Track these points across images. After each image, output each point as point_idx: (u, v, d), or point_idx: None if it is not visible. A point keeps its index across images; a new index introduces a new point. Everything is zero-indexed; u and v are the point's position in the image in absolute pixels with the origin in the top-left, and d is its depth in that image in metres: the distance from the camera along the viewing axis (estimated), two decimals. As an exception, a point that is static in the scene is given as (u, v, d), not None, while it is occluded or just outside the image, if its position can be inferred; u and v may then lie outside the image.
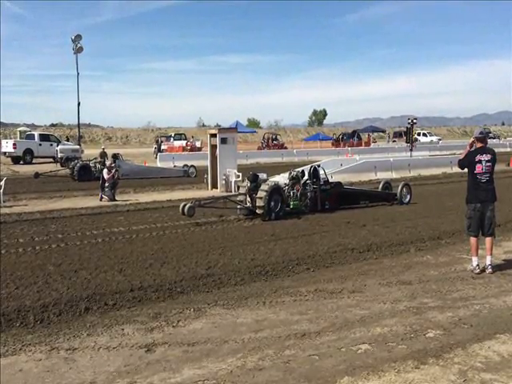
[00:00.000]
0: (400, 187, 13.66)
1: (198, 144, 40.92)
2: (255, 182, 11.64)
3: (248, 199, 11.66)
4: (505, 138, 67.15)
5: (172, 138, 43.58)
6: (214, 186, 17.28)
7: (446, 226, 10.35)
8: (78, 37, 33.43)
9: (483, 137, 7.20)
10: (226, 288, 6.46)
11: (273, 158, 33.59)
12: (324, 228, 10.41)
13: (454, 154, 32.16)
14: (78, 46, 33.38)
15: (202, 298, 6.04)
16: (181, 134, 45.36)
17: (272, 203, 11.26)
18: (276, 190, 11.42)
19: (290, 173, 12.46)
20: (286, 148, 43.96)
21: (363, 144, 47.92)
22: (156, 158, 31.92)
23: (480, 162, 6.96)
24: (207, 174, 17.73)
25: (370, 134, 55.69)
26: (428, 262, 7.66)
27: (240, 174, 16.30)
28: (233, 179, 16.46)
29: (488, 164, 6.94)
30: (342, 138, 49.27)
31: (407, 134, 29.01)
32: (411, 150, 28.41)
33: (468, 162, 7.13)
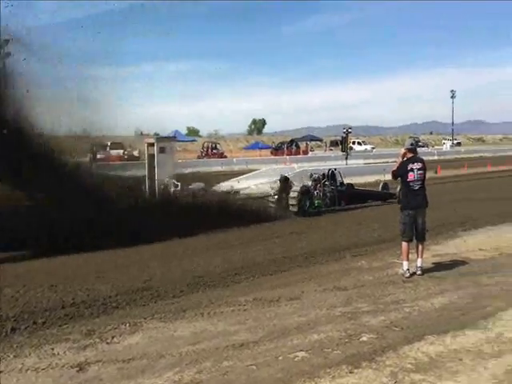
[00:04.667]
0: (398, 188, 14.62)
1: (135, 153, 40.00)
2: (286, 183, 13.69)
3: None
4: (432, 146, 70.87)
5: (108, 148, 42.32)
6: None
7: (380, 232, 10.76)
8: (6, 42, 31.76)
9: (414, 148, 7.71)
10: (164, 301, 6.34)
11: (212, 166, 33.50)
12: (265, 237, 10.52)
13: (387, 161, 33.56)
14: (5, 51, 31.69)
15: (138, 312, 5.89)
16: (118, 143, 44.16)
17: (302, 202, 13.26)
18: (306, 191, 13.48)
19: (311, 175, 14.46)
20: (225, 157, 44.06)
21: (301, 152, 48.95)
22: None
23: (412, 170, 7.38)
24: (145, 184, 17.35)
25: (308, 142, 57.01)
26: (363, 268, 7.91)
27: (179, 184, 16.10)
28: (171, 189, 16.20)
29: (419, 172, 7.37)
30: (281, 146, 50.10)
31: (342, 142, 29.98)
32: (346, 158, 29.37)
33: (402, 171, 7.52)
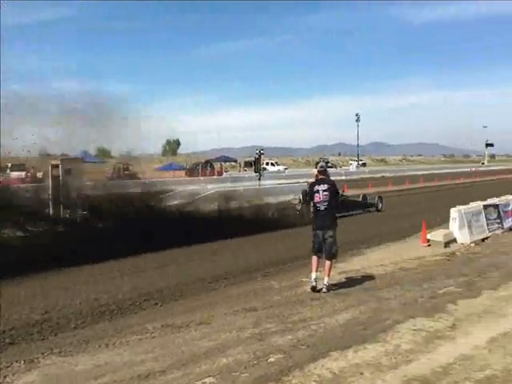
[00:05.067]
0: (376, 198, 19.38)
1: (39, 175, 37.71)
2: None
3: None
4: (340, 167, 74.45)
5: (8, 169, 39.49)
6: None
7: (291, 251, 11.02)
8: None
9: (323, 170, 7.97)
10: (65, 333, 5.97)
11: (124, 188, 32.40)
12: (179, 259, 10.35)
13: (299, 182, 34.71)
14: None
15: (35, 348, 5.49)
16: (19, 165, 41.38)
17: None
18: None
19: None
20: (138, 178, 42.90)
21: (216, 173, 49.08)
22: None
23: (318, 191, 7.65)
24: (49, 207, 16.37)
25: (223, 163, 57.36)
26: (273, 287, 8.04)
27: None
28: (79, 212, 15.42)
29: (325, 193, 7.61)
30: (195, 167, 49.89)
31: (256, 163, 30.55)
32: (260, 178, 29.94)
33: (309, 193, 7.82)
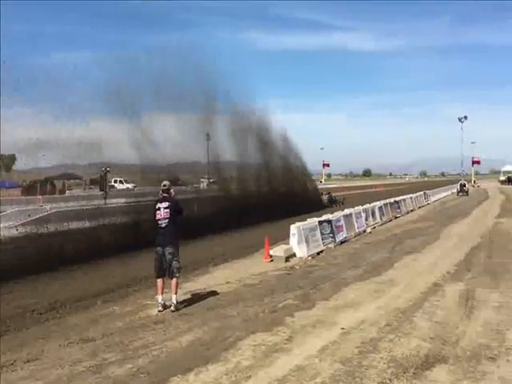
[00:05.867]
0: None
1: None
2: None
3: None
4: (192, 185, 74.80)
5: None
6: None
7: (135, 273, 10.63)
8: None
9: (167, 189, 8.01)
10: None
11: None
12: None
13: (148, 200, 33.92)
14: None
15: None
16: None
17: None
18: (330, 198, 33.18)
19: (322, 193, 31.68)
20: (-39, 197, 37.69)
21: (57, 192, 45.53)
22: None
23: (159, 209, 7.75)
24: None
25: (66, 180, 53.51)
26: (114, 313, 7.62)
27: None
28: None
29: (166, 211, 7.69)
30: (33, 185, 45.66)
31: (101, 181, 29.15)
32: (105, 197, 28.56)
33: (153, 210, 7.87)
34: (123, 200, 35.51)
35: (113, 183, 55.04)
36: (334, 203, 32.39)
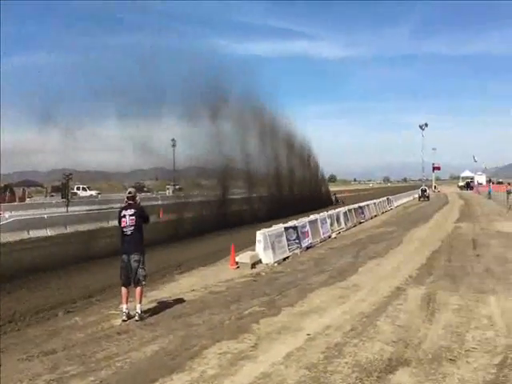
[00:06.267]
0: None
1: None
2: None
3: None
4: (157, 191, 73.88)
5: None
6: None
7: (99, 283, 10.39)
8: None
9: (132, 196, 7.92)
10: None
11: None
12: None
13: (113, 207, 33.31)
14: None
15: None
16: None
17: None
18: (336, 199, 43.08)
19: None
20: None
21: (17, 199, 44.08)
22: None
23: (125, 216, 7.67)
24: None
25: (26, 188, 51.91)
26: (76, 325, 7.42)
27: None
28: None
29: (131, 218, 7.62)
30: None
31: (63, 188, 28.45)
32: (67, 205, 27.90)
33: (118, 217, 7.79)
34: (86, 207, 34.83)
35: (75, 190, 53.85)
36: (337, 202, 41.01)
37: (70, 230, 21.25)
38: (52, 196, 48.79)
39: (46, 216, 22.27)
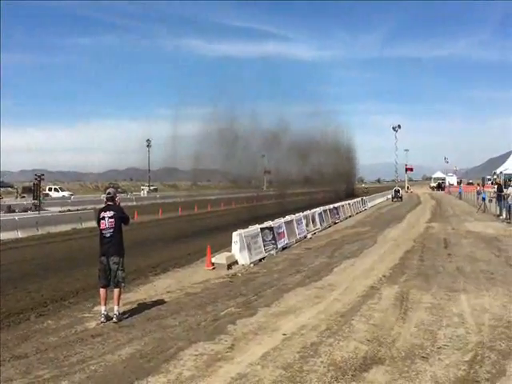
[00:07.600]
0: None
1: None
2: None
3: None
4: (131, 192, 73.10)
5: None
6: None
7: (71, 285, 10.22)
8: None
9: (111, 197, 7.81)
10: None
11: None
12: None
13: (86, 208, 32.83)
14: None
15: None
16: None
17: None
18: None
19: None
20: None
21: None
22: None
23: (104, 218, 7.57)
24: None
25: (-5, 189, 50.65)
26: (49, 328, 7.28)
27: None
28: None
29: (111, 220, 7.52)
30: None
31: (35, 189, 27.86)
32: (39, 206, 27.33)
33: (96, 219, 7.76)
34: (58, 209, 34.20)
35: (47, 191, 52.79)
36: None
37: (41, 231, 20.82)
38: (23, 197, 47.68)
39: (17, 218, 21.76)
